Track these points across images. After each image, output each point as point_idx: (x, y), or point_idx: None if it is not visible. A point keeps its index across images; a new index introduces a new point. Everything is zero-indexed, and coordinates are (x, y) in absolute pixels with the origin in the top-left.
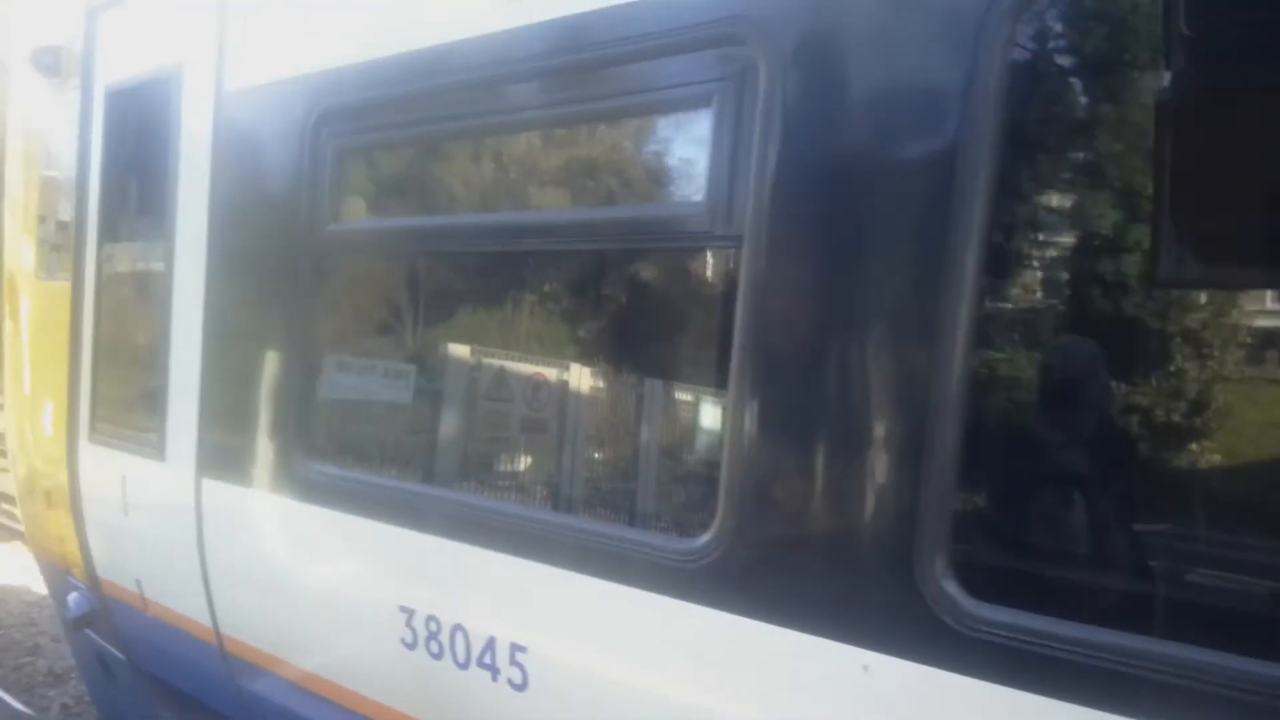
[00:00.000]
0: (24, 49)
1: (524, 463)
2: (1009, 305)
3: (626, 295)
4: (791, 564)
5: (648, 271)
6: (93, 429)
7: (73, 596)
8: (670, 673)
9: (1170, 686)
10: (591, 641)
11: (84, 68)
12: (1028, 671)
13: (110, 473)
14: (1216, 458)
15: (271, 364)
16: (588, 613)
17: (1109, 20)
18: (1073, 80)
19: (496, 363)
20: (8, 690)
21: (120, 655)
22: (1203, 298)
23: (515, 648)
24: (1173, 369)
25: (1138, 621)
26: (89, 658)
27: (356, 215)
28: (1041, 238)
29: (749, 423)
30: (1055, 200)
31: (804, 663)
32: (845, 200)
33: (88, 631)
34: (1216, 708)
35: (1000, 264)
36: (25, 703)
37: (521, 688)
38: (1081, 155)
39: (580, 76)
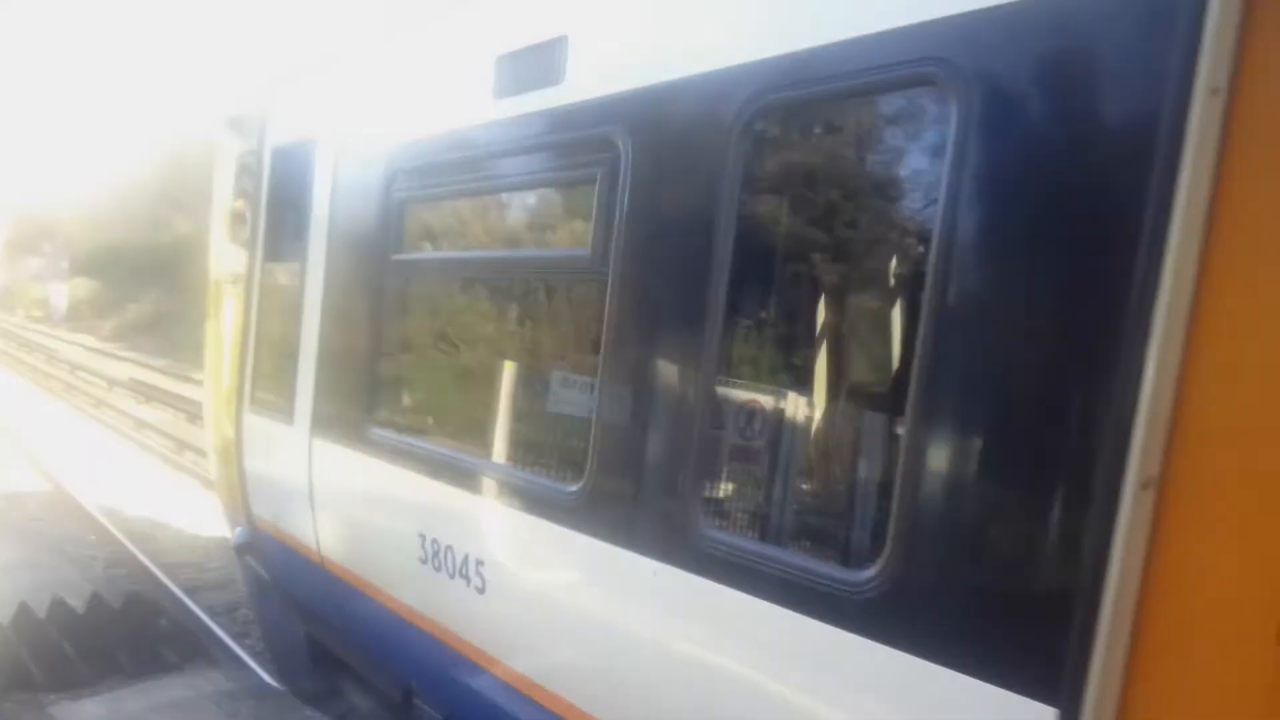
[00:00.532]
0: (224, 115)
1: (482, 424)
2: (748, 327)
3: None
4: (619, 501)
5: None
6: (251, 400)
7: (237, 530)
8: (554, 579)
9: (805, 586)
10: (516, 558)
11: (258, 131)
12: (740, 576)
13: (260, 434)
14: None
15: (354, 355)
16: (513, 535)
17: (805, 128)
18: (786, 168)
19: (464, 354)
20: (256, 661)
21: (266, 576)
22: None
23: (478, 562)
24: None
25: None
26: (250, 579)
27: (409, 248)
28: (772, 274)
29: (608, 398)
30: (779, 249)
31: (625, 567)
32: (655, 249)
33: (247, 558)
34: (827, 601)
35: (742, 298)
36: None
37: (482, 590)
38: (789, 217)
39: (530, 157)
